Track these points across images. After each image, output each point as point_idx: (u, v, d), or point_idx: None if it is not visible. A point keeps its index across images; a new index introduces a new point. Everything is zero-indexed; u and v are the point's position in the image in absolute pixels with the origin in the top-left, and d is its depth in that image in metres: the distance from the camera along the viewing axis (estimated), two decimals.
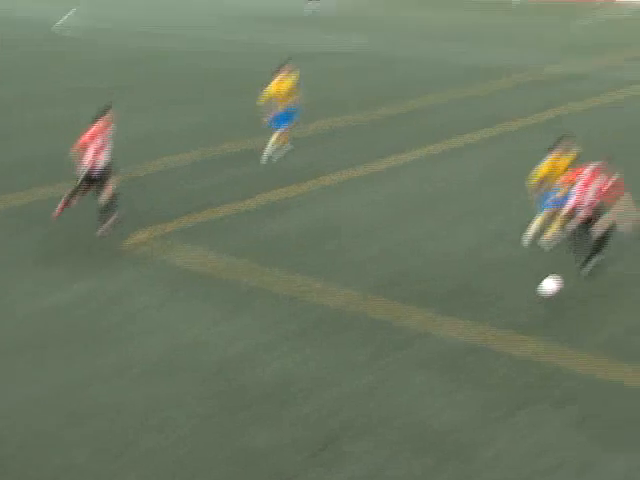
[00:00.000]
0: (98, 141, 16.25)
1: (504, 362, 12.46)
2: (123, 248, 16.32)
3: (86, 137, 16.29)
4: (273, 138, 21.01)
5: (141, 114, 25.24)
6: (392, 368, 12.30)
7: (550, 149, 15.86)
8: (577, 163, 15.60)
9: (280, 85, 20.64)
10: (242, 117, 26.05)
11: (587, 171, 14.91)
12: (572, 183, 15.01)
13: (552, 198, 15.71)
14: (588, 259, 15.05)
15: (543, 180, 15.74)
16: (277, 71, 20.77)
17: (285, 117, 20.88)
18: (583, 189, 14.80)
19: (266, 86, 21.03)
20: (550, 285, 14.54)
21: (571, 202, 14.92)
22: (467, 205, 18.76)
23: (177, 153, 21.87)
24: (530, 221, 17.21)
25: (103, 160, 16.38)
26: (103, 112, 16.55)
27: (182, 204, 18.55)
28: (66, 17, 47.46)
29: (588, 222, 14.87)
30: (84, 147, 16.24)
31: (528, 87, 30.86)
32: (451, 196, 19.35)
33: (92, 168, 16.28)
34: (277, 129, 20.93)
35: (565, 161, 15.68)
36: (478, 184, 20.14)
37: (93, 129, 16.36)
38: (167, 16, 48.82)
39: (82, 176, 16.32)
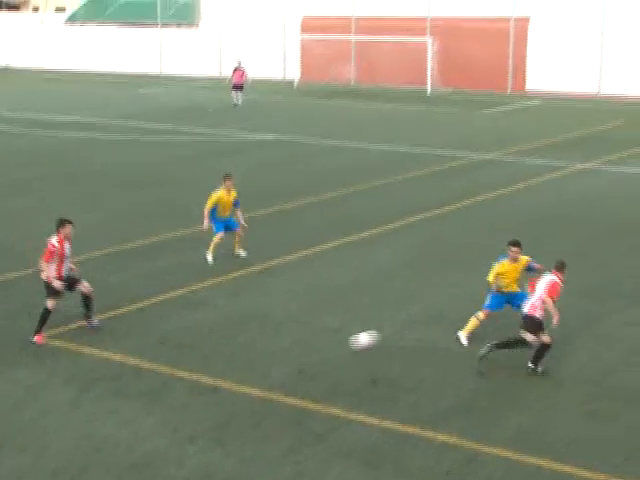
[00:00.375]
0: (60, 254, 16.21)
1: (422, 450, 12.48)
2: (32, 346, 16.00)
3: (47, 254, 16.16)
4: (215, 240, 20.93)
5: (51, 209, 24.88)
6: (311, 460, 12.23)
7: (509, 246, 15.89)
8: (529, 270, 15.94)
9: (224, 195, 20.77)
10: (155, 210, 26.00)
11: (543, 281, 15.04)
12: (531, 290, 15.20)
13: (497, 302, 15.96)
14: (538, 357, 15.08)
15: (496, 279, 15.82)
16: (224, 179, 20.91)
17: (228, 224, 20.92)
18: (540, 299, 14.87)
19: (211, 192, 21.09)
20: (364, 339, 14.88)
21: (527, 310, 14.97)
22: (379, 294, 18.90)
23: (88, 248, 21.57)
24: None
25: (66, 270, 16.41)
26: (62, 224, 16.39)
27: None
28: None
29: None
30: (47, 262, 16.17)
31: (441, 176, 31.33)
32: (363, 285, 19.50)
33: (59, 277, 16.26)
34: (217, 233, 20.87)
35: (517, 267, 15.91)
36: (390, 273, 20.31)
37: (53, 244, 16.22)
38: (78, 111, 48.26)
39: (58, 287, 16.23)
